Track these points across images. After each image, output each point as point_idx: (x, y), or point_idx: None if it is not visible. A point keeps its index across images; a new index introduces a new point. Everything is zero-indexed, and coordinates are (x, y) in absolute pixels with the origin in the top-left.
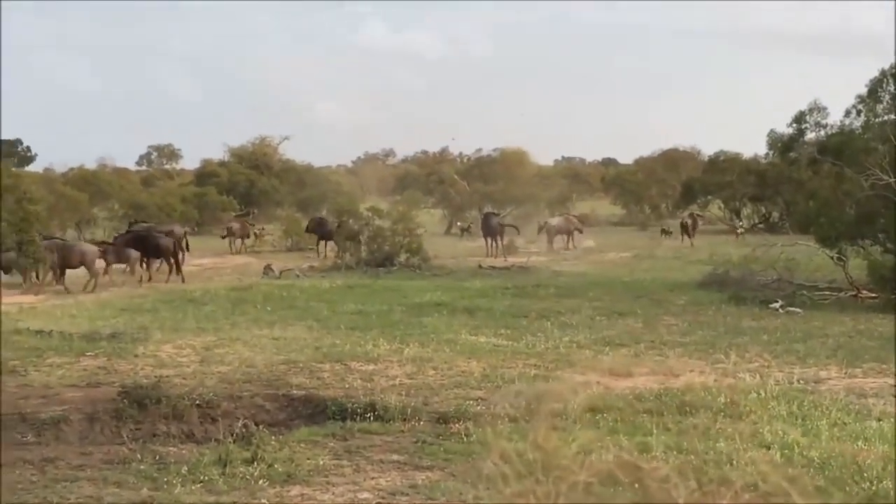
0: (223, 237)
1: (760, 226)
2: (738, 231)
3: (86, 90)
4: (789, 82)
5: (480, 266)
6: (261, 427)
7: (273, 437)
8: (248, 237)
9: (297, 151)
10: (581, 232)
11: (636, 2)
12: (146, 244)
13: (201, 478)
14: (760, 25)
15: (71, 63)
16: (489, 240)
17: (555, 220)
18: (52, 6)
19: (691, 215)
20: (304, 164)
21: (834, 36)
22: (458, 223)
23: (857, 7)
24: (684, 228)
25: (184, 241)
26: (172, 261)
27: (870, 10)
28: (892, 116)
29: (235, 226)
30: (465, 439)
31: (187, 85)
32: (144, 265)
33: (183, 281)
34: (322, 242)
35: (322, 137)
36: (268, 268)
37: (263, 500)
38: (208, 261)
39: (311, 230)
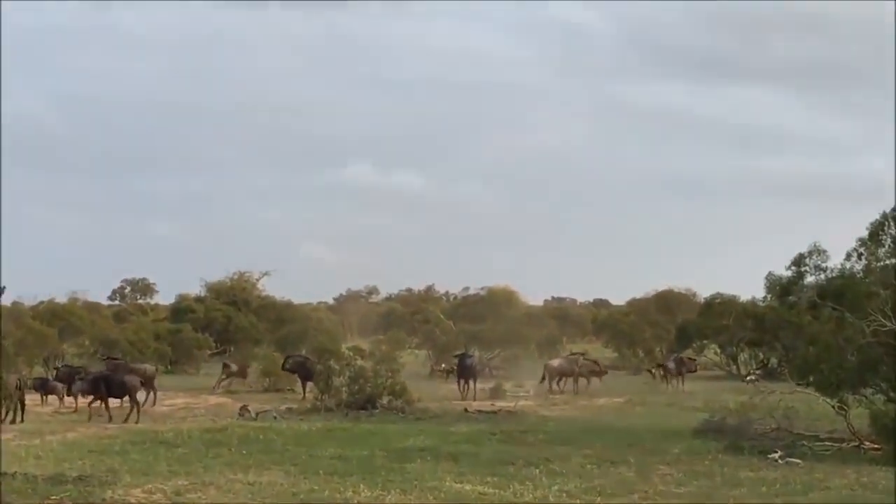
0: (223, 379)
1: (758, 372)
2: (750, 378)
3: (58, 222)
4: (788, 225)
5: (466, 410)
6: None
7: None
8: (247, 377)
9: (277, 287)
10: (598, 375)
11: (628, 147)
12: (109, 382)
13: None
14: (758, 169)
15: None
16: (462, 381)
17: (556, 362)
18: None
19: (678, 359)
20: (284, 300)
21: (833, 180)
22: (443, 365)
23: (856, 152)
24: (664, 370)
25: (155, 380)
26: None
27: (870, 154)
28: (895, 260)
29: (234, 367)
30: None
31: (165, 219)
32: (102, 404)
33: (137, 422)
34: (302, 383)
35: (303, 273)
36: (244, 409)
37: None
38: (181, 400)
39: (290, 369)
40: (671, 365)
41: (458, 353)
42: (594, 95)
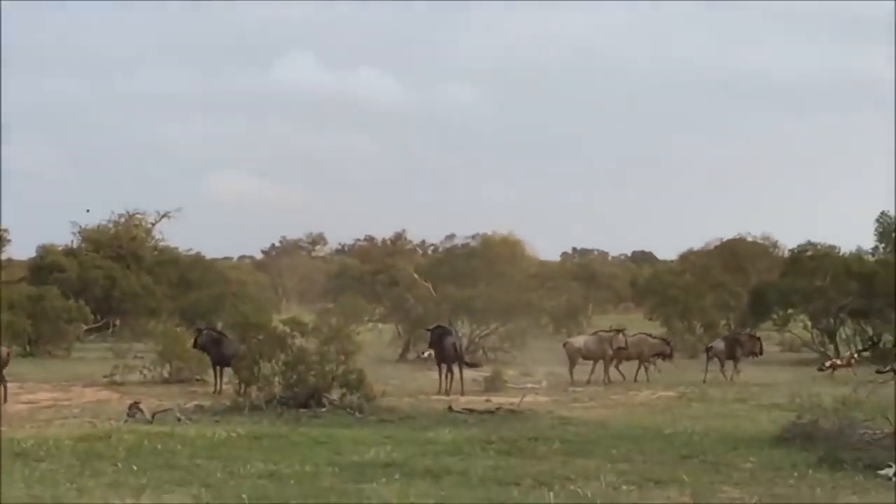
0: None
1: (866, 354)
2: (840, 362)
3: None
4: None
5: (451, 408)
6: None
7: None
8: None
9: (182, 235)
10: (666, 357)
11: (680, 34)
12: None
13: None
14: (867, 66)
15: None
16: (444, 368)
17: (579, 340)
18: None
19: (732, 337)
20: (191, 253)
21: None
22: (425, 353)
23: None
24: (709, 353)
25: (6, 366)
26: None
27: None
28: None
29: None
30: None
31: (19, 141)
32: None
33: None
34: (217, 369)
35: (219, 216)
36: (134, 407)
37: None
38: (46, 395)
39: (200, 347)
40: (720, 345)
41: (434, 326)
42: None
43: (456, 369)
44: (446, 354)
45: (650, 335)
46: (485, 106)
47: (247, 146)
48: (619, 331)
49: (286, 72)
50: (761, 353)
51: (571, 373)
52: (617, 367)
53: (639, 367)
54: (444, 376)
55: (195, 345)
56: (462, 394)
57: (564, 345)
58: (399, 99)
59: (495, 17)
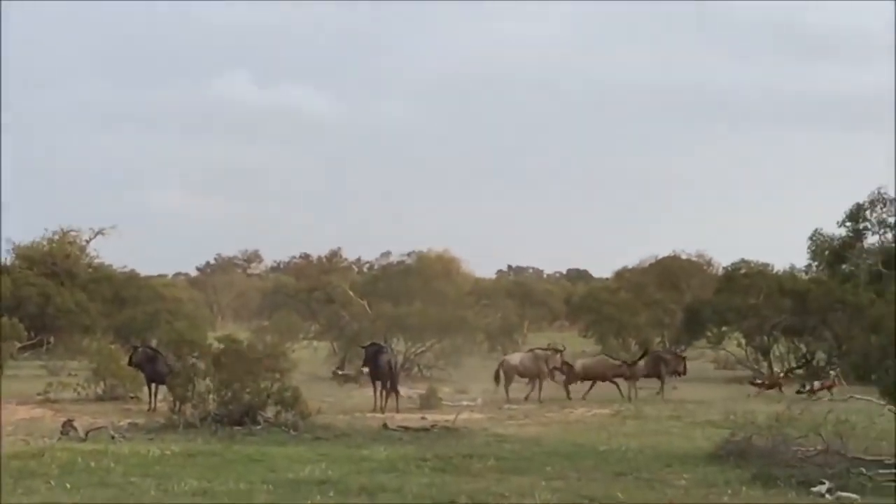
0: None
1: (798, 371)
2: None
3: None
4: (842, 162)
5: (386, 426)
6: None
7: None
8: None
9: (117, 252)
10: (554, 374)
11: (618, 52)
12: None
13: None
14: (802, 81)
15: None
16: (378, 385)
17: (516, 358)
18: None
19: (655, 355)
20: (126, 270)
21: None
22: (342, 370)
23: None
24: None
25: None
26: None
27: None
28: None
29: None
30: None
31: None
32: None
33: None
34: (152, 387)
35: (153, 233)
36: (68, 425)
37: None
38: None
39: (135, 365)
40: (641, 364)
41: (369, 344)
42: None
43: (391, 387)
44: (381, 372)
45: (610, 356)
46: (420, 122)
47: (181, 162)
48: (556, 350)
49: (221, 87)
50: (685, 373)
51: (507, 390)
52: (539, 383)
53: (591, 387)
54: (378, 394)
55: (130, 362)
56: (397, 411)
57: (501, 363)
58: (334, 115)
59: (429, 34)
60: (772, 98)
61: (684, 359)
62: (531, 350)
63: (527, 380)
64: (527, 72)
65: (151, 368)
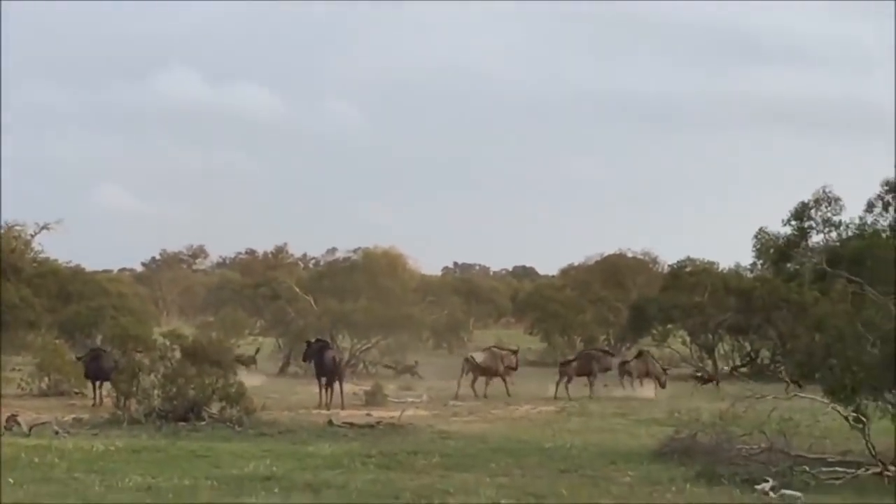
0: None
1: (743, 370)
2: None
3: None
4: (786, 163)
5: (331, 422)
6: None
7: None
8: None
9: (61, 247)
10: (510, 373)
11: (562, 57)
12: None
13: None
14: (744, 86)
15: None
16: (323, 381)
17: (480, 356)
18: None
19: (586, 354)
20: (71, 265)
21: (848, 101)
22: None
23: (878, 63)
24: (625, 374)
25: None
26: None
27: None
28: None
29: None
30: None
31: None
32: None
33: None
34: (96, 383)
35: (98, 228)
36: (11, 420)
37: None
38: None
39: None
40: (573, 362)
41: (315, 340)
42: None
43: (337, 384)
44: (325, 368)
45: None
46: (367, 122)
47: (128, 160)
48: (513, 351)
49: (166, 86)
50: (609, 368)
51: (474, 387)
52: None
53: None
54: (323, 390)
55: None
56: (342, 407)
57: (467, 360)
58: (280, 114)
59: (377, 37)
60: (718, 101)
61: (612, 355)
62: (489, 348)
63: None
64: (472, 74)
65: (96, 365)
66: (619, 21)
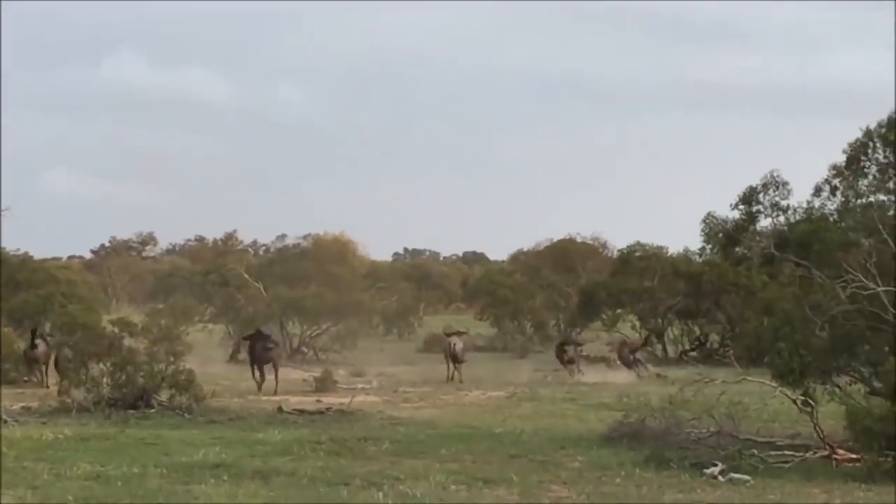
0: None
1: (692, 353)
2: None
3: None
4: (734, 146)
5: (281, 409)
6: None
7: None
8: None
9: (10, 235)
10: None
11: (505, 37)
12: None
13: None
14: (690, 68)
15: None
16: (255, 368)
17: (460, 343)
18: None
19: (565, 344)
20: (19, 253)
21: (795, 82)
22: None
23: (827, 45)
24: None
25: None
26: None
27: (847, 48)
28: (882, 196)
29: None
30: None
31: None
32: None
33: None
34: (43, 369)
35: (47, 215)
36: None
37: None
38: None
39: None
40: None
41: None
42: None
43: (267, 369)
44: (255, 357)
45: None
46: (315, 107)
47: (76, 145)
48: (461, 333)
49: (114, 69)
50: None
51: (458, 371)
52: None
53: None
54: (256, 376)
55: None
56: (275, 393)
57: (452, 345)
58: (229, 98)
59: (325, 18)
60: (665, 83)
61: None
62: (457, 332)
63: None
64: (416, 57)
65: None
66: (571, 1)
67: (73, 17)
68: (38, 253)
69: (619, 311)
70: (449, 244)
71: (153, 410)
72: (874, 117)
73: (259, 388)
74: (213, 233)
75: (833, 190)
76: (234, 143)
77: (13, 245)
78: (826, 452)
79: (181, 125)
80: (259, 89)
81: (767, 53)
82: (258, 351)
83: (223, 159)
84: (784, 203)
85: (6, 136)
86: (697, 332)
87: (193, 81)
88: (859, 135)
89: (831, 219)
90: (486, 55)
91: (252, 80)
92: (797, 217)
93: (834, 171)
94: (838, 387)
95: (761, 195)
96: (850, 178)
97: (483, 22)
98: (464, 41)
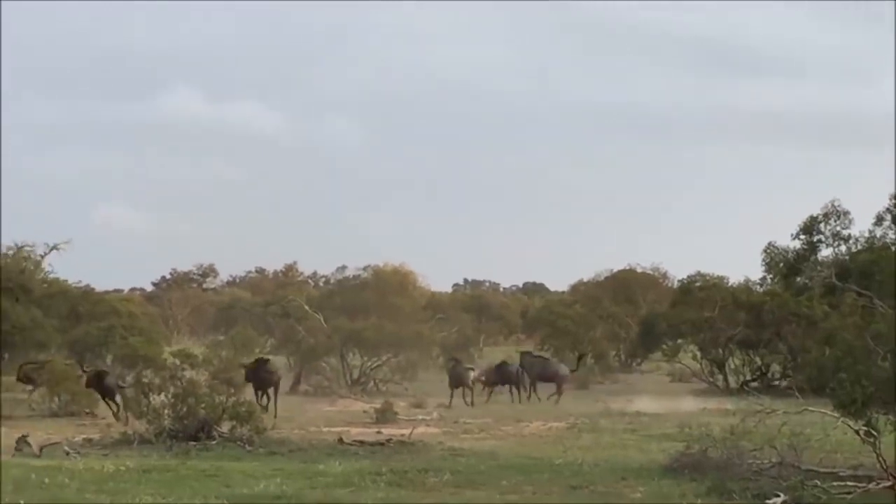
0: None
1: (754, 384)
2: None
3: None
4: (795, 177)
5: (342, 440)
6: None
7: None
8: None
9: (71, 267)
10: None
11: (562, 70)
12: None
13: None
14: (748, 104)
15: None
16: (258, 394)
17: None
18: None
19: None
20: (81, 286)
21: (857, 114)
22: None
23: (887, 74)
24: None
25: None
26: None
27: None
28: None
29: None
30: None
31: None
32: None
33: None
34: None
35: (107, 248)
36: (22, 440)
37: None
38: None
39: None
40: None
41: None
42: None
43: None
44: (259, 383)
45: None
46: (373, 138)
47: (132, 179)
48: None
49: (169, 103)
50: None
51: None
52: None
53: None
54: (259, 402)
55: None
56: (275, 416)
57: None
58: (282, 130)
59: (379, 50)
60: (724, 114)
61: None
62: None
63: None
64: (478, 88)
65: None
66: (623, 34)
67: (129, 51)
68: (100, 286)
69: (679, 341)
70: (509, 275)
71: (214, 442)
72: None
73: (265, 410)
74: (274, 265)
75: (895, 219)
76: (291, 175)
77: (74, 277)
78: (889, 483)
79: (237, 158)
80: (313, 121)
81: (823, 83)
82: (261, 377)
83: (280, 191)
84: (845, 233)
85: (64, 170)
86: (758, 363)
87: (246, 114)
88: None
89: (893, 248)
90: (540, 86)
91: (306, 112)
92: (858, 246)
93: (895, 201)
94: None
95: (822, 225)
96: None
97: (535, 54)
98: (518, 73)
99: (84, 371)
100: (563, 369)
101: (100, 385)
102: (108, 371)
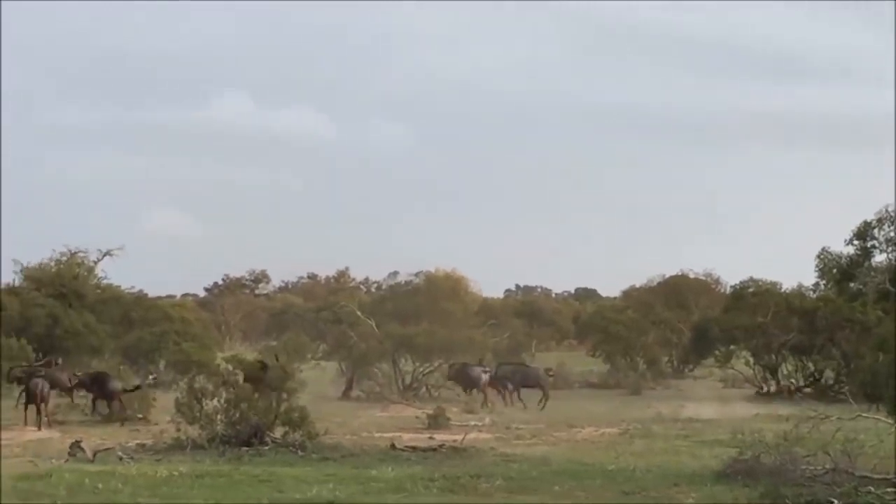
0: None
1: (808, 390)
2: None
3: None
4: (847, 181)
5: (394, 446)
6: None
7: None
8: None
9: (124, 273)
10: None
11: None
12: None
13: None
14: (803, 107)
15: None
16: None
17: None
18: None
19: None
20: (134, 291)
21: None
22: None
23: None
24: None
25: None
26: None
27: None
28: None
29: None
30: None
31: None
32: None
33: None
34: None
35: (159, 254)
36: (76, 446)
37: None
38: None
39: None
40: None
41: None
42: (548, 5)
43: None
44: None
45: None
46: (422, 143)
47: (185, 184)
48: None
49: (221, 108)
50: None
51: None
52: None
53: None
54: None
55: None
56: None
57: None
58: (334, 136)
59: (430, 54)
60: (775, 119)
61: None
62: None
63: None
64: (530, 92)
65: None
66: (675, 43)
67: (180, 58)
68: (153, 292)
69: (732, 347)
70: (560, 280)
71: (267, 447)
72: None
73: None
74: (326, 270)
75: None
76: (342, 180)
77: (127, 283)
78: None
79: (289, 164)
80: (364, 126)
81: (875, 87)
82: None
83: (333, 197)
84: None
85: (115, 176)
86: (812, 369)
87: (297, 120)
88: None
89: None
90: (587, 90)
91: (357, 118)
92: None
93: None
94: None
95: (876, 230)
96: None
97: (584, 58)
98: (566, 77)
99: (76, 376)
100: (543, 374)
101: (101, 388)
102: (108, 373)
